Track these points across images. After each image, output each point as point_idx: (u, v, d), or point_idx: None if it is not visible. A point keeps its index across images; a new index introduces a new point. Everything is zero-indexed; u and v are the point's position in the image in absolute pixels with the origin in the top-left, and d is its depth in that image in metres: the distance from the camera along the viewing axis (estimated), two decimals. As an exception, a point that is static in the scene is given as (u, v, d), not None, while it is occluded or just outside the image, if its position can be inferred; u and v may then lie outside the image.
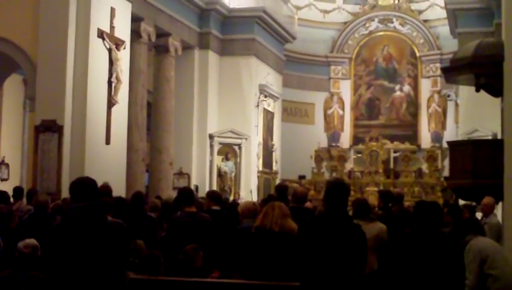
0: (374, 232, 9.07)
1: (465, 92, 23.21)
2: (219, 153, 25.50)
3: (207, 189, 21.90)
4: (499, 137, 18.11)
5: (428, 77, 32.79)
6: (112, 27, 18.31)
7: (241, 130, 25.81)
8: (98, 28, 17.75)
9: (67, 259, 5.72)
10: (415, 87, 33.10)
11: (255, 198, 24.21)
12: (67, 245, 5.73)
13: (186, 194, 9.40)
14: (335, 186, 6.43)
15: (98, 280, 5.67)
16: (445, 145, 25.92)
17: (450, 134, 30.10)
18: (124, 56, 18.78)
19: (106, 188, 10.55)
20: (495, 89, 15.25)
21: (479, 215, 13.66)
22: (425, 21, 33.02)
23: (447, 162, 22.95)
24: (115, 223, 6.15)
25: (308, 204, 11.10)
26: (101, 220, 5.89)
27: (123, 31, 18.95)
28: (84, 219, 5.75)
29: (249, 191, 25.42)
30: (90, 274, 5.66)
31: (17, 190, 14.35)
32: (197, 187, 23.34)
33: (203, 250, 7.84)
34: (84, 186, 5.98)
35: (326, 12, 33.81)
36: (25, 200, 13.66)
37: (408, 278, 7.94)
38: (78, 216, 5.79)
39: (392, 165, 30.44)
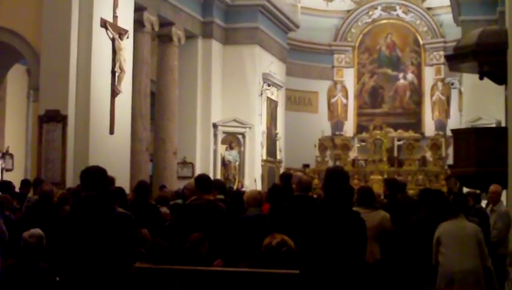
0: (376, 220, 9.06)
1: (469, 80, 23.20)
2: (223, 142, 25.50)
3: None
4: (503, 125, 18.13)
5: (432, 65, 32.71)
6: (115, 17, 18.30)
7: (245, 119, 25.82)
8: (101, 18, 17.73)
9: (76, 248, 5.73)
10: (419, 75, 33.03)
11: (259, 187, 24.24)
12: (76, 234, 5.74)
13: (203, 181, 9.33)
14: (334, 174, 6.43)
15: (105, 269, 5.68)
16: (449, 133, 25.89)
17: (453, 122, 30.05)
18: (127, 46, 18.77)
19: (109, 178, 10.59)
20: (499, 76, 15.26)
21: (483, 203, 13.68)
22: (428, 9, 32.92)
23: (451, 150, 22.88)
24: (123, 215, 6.17)
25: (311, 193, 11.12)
26: (109, 210, 5.90)
27: (126, 21, 18.93)
28: (93, 208, 5.76)
29: (253, 180, 25.45)
30: (97, 264, 5.68)
31: (25, 182, 14.46)
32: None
33: (210, 238, 7.85)
34: (94, 175, 5.99)
35: (329, 0, 33.71)
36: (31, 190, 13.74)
37: (413, 265, 7.97)
38: (87, 205, 5.80)
39: (395, 154, 30.41)
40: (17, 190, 13.77)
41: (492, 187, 11.35)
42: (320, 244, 6.10)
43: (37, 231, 7.45)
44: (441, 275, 7.88)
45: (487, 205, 12.63)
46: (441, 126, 31.66)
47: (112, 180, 10.69)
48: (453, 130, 17.42)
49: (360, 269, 6.20)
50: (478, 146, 14.64)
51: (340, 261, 6.05)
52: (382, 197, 13.07)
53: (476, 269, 7.84)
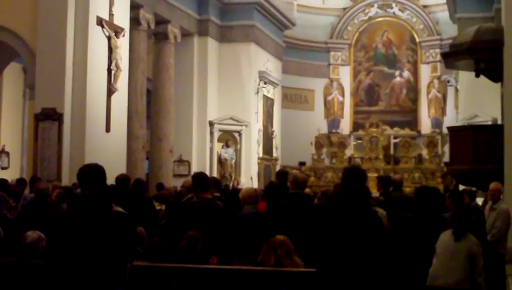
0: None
1: (465, 78, 23.18)
2: (219, 140, 25.51)
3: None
4: (499, 122, 18.11)
5: (428, 63, 32.77)
6: (111, 14, 18.28)
7: (241, 117, 25.82)
8: (97, 16, 17.71)
9: (72, 247, 5.71)
10: (415, 73, 33.09)
11: (255, 185, 24.24)
12: (72, 233, 5.73)
13: (201, 179, 9.30)
14: (352, 172, 6.45)
15: (101, 268, 5.67)
16: (445, 130, 25.95)
17: (450, 120, 30.10)
18: (123, 44, 18.75)
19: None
20: (495, 74, 15.24)
21: (479, 200, 13.68)
22: (424, 6, 32.96)
23: (447, 148, 22.94)
24: (120, 214, 6.16)
25: (307, 191, 11.12)
26: (106, 208, 5.88)
27: (122, 19, 18.92)
28: (89, 207, 5.74)
29: (249, 178, 25.46)
30: (93, 262, 5.66)
31: (20, 181, 14.45)
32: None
33: (206, 237, 7.84)
34: (91, 173, 5.97)
35: (325, -2, 33.75)
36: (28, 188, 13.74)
37: (409, 262, 7.97)
38: (84, 204, 5.78)
39: (392, 151, 30.41)
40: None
41: (493, 185, 11.26)
42: (338, 242, 6.11)
43: (37, 232, 7.48)
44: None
45: (484, 202, 12.61)
46: (437, 124, 31.71)
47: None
48: (449, 128, 17.42)
49: (379, 268, 6.19)
50: (474, 143, 14.63)
51: (358, 260, 6.07)
52: (378, 194, 13.04)
53: (460, 284, 7.66)
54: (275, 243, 6.89)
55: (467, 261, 7.66)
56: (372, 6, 33.79)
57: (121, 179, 10.76)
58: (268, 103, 28.34)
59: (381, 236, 6.25)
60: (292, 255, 6.84)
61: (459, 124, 23.24)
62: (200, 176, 9.33)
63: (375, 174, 26.63)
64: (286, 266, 6.69)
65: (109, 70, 18.09)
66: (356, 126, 33.10)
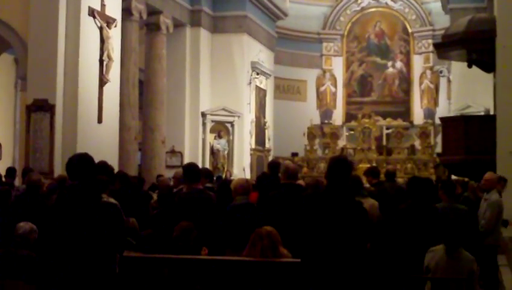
0: (365, 208, 9.07)
1: (458, 68, 23.26)
2: (211, 130, 25.48)
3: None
4: (491, 113, 18.16)
5: (421, 53, 32.79)
6: (102, 5, 18.20)
7: (234, 108, 25.79)
8: (89, 6, 17.64)
9: (61, 238, 5.69)
10: (407, 63, 33.11)
11: (247, 175, 24.24)
12: (61, 224, 5.71)
13: (192, 170, 9.28)
14: (337, 162, 6.44)
15: (89, 259, 5.65)
16: (437, 121, 25.95)
17: (442, 110, 30.13)
18: (115, 34, 18.68)
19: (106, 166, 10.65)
20: (487, 64, 15.28)
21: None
22: (417, -3, 32.99)
23: (439, 139, 22.98)
24: (108, 204, 6.13)
25: (300, 182, 11.09)
26: (94, 199, 5.85)
27: (114, 9, 18.84)
28: (78, 198, 5.72)
29: (241, 169, 25.45)
30: (81, 254, 5.64)
31: (10, 170, 14.37)
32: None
33: (197, 227, 7.83)
34: (80, 163, 5.93)
35: (317, -12, 33.72)
36: (17, 179, 13.67)
37: (402, 253, 7.96)
38: (72, 195, 5.76)
39: (384, 142, 30.44)
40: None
41: (487, 175, 11.22)
42: (323, 232, 6.10)
43: (29, 223, 7.46)
44: None
45: (473, 192, 12.61)
46: (429, 114, 31.74)
47: (110, 168, 10.77)
48: (441, 118, 17.48)
49: (362, 258, 6.19)
50: (467, 134, 14.68)
51: (342, 250, 6.06)
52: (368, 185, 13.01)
53: None
54: (261, 233, 6.88)
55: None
56: (365, -4, 33.81)
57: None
58: (261, 93, 28.32)
59: (365, 226, 6.24)
60: (278, 246, 6.82)
61: (451, 114, 23.29)
62: (190, 167, 9.33)
63: (368, 165, 26.67)
64: (269, 257, 6.69)
65: (101, 61, 18.03)
66: (349, 117, 33.13)
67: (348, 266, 6.07)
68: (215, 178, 16.48)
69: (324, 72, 33.73)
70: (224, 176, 23.27)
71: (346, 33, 33.82)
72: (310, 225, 6.19)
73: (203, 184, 9.87)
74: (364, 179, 12.12)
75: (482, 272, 9.00)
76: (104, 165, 10.49)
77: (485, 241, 10.59)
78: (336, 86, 33.64)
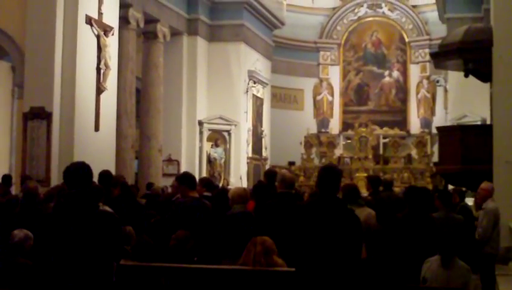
0: (361, 218, 9.03)
1: (454, 78, 23.27)
2: (208, 139, 25.47)
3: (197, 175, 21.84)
4: (488, 122, 18.16)
5: (417, 63, 32.85)
6: (100, 13, 18.22)
7: (231, 117, 25.80)
8: (86, 15, 17.66)
9: (58, 247, 5.69)
10: (404, 72, 33.16)
11: (244, 184, 24.22)
12: (58, 232, 5.70)
13: (187, 178, 9.32)
14: (327, 171, 6.43)
15: (86, 268, 5.64)
16: (434, 130, 25.95)
17: (439, 120, 30.18)
18: (112, 42, 18.70)
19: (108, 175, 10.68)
20: (484, 74, 15.28)
21: (469, 200, 13.70)
22: (414, 6, 33.05)
23: (436, 148, 22.94)
24: (105, 213, 6.12)
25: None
26: (91, 207, 5.84)
27: (111, 18, 18.86)
28: (75, 206, 5.71)
29: (238, 178, 25.43)
30: (78, 262, 5.64)
31: (6, 178, 14.34)
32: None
33: (194, 235, 7.82)
34: (78, 172, 5.93)
35: (314, -3, 33.77)
36: (13, 187, 13.64)
37: (399, 263, 7.95)
38: (69, 203, 5.75)
39: (381, 151, 30.44)
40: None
41: (483, 184, 11.23)
42: (315, 241, 6.09)
43: (25, 230, 7.45)
44: None
45: (475, 202, 12.59)
46: (426, 124, 31.78)
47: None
48: (438, 128, 17.47)
49: (356, 266, 6.18)
50: (463, 144, 14.67)
51: (336, 259, 6.05)
52: (367, 194, 13.02)
53: None
54: (256, 240, 6.92)
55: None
56: (362, 6, 33.87)
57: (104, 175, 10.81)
58: (258, 102, 28.33)
59: (357, 233, 6.23)
60: (271, 255, 6.85)
61: (448, 124, 23.32)
62: (186, 175, 9.40)
63: (365, 174, 26.66)
64: (262, 263, 6.68)
65: (98, 69, 18.03)
66: (345, 126, 33.16)
67: (341, 274, 6.06)
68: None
69: (321, 81, 33.75)
70: (221, 184, 23.25)
71: (343, 42, 33.88)
72: (303, 233, 6.19)
73: (200, 193, 9.88)
74: (364, 188, 12.13)
75: (479, 280, 8.99)
76: (107, 174, 10.51)
77: (483, 250, 10.59)
78: (332, 95, 33.67)
